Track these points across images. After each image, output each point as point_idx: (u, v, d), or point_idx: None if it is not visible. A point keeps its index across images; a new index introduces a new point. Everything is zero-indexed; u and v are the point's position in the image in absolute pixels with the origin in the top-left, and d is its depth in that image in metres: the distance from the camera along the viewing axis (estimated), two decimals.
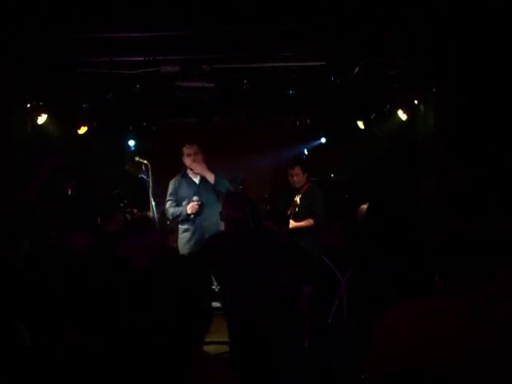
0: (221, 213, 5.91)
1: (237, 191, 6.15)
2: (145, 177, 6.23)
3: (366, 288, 3.88)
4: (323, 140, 8.19)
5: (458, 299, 1.93)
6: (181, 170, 5.93)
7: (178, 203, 5.77)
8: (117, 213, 5.22)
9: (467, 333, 1.84)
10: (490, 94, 4.77)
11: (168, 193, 5.87)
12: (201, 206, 5.63)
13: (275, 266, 3.98)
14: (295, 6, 4.57)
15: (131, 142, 7.78)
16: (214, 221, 5.70)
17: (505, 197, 4.25)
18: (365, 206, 5.43)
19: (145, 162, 6.04)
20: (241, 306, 3.86)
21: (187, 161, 5.78)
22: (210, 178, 5.66)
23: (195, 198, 5.64)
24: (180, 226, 5.86)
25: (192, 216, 5.65)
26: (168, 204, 5.83)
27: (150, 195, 6.03)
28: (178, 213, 5.73)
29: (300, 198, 5.69)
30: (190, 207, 5.62)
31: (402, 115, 6.57)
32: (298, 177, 5.86)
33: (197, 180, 5.86)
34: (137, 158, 6.18)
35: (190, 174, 5.88)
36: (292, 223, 5.54)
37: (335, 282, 3.96)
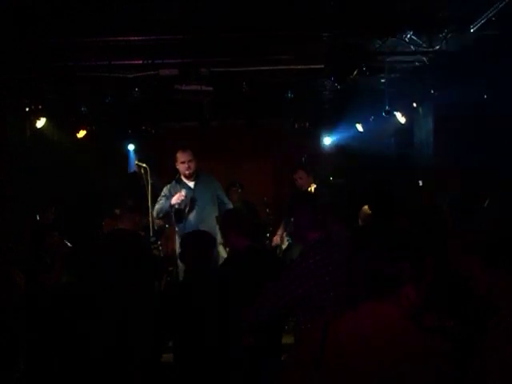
0: (217, 217, 5.87)
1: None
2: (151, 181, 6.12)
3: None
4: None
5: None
6: (175, 177, 5.88)
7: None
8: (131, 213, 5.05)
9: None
10: (489, 93, 4.78)
11: (160, 195, 5.82)
12: (193, 203, 5.55)
13: None
14: (294, 9, 4.57)
15: (131, 146, 7.77)
16: (211, 224, 5.63)
17: (505, 197, 4.25)
18: (366, 207, 5.41)
19: (144, 165, 6.00)
20: None
21: (181, 167, 5.74)
22: None
23: (183, 191, 5.57)
24: (177, 229, 5.81)
25: (184, 220, 5.59)
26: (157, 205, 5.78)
27: (149, 199, 5.98)
28: (161, 206, 5.66)
29: None
30: (176, 198, 5.54)
31: (401, 118, 6.57)
32: (302, 180, 5.93)
33: (192, 184, 5.82)
34: (136, 162, 6.16)
35: (185, 179, 5.85)
36: None
37: None
